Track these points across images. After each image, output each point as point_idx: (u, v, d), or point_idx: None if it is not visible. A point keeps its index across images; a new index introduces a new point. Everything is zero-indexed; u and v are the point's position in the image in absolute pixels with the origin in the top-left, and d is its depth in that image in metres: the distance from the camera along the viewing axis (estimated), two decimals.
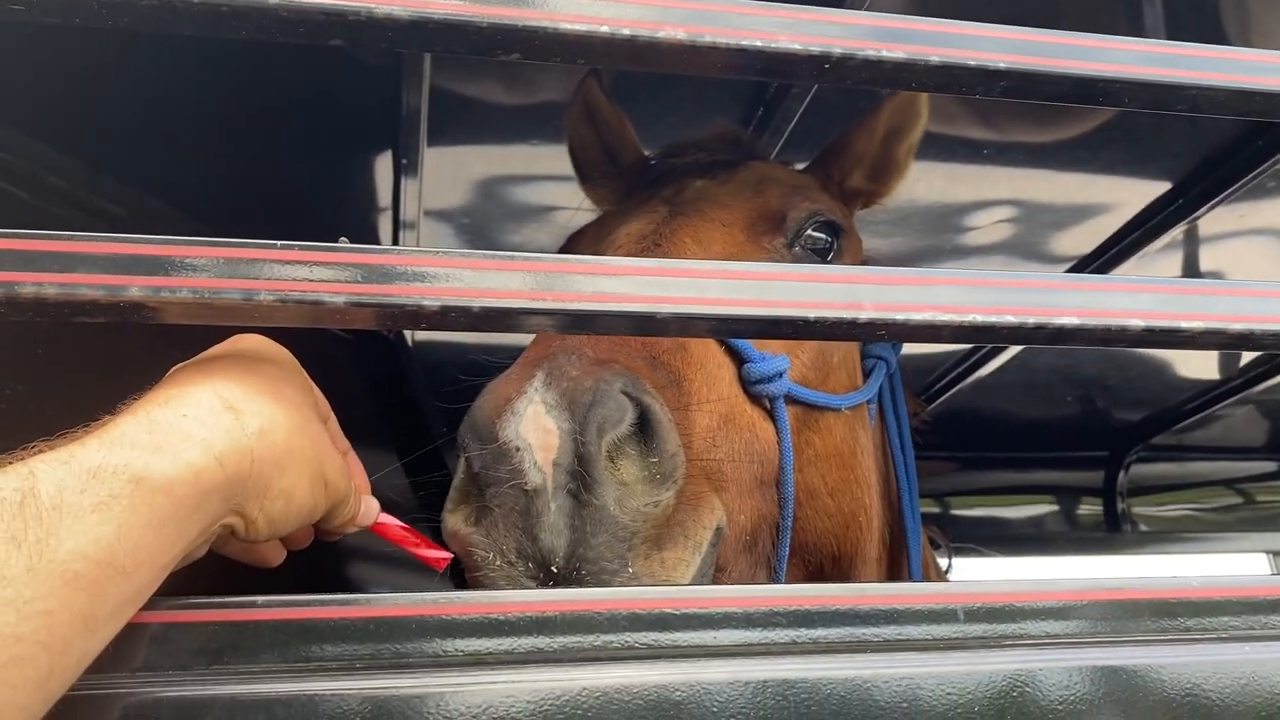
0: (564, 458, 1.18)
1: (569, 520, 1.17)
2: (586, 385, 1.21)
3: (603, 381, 1.22)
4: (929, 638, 0.94)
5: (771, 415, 1.55)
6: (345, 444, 1.22)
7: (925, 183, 2.77)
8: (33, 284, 0.84)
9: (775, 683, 0.88)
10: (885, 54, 1.04)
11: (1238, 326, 1.03)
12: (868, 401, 1.87)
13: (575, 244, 1.98)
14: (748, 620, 0.92)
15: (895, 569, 1.94)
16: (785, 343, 1.65)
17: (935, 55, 1.04)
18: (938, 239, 3.04)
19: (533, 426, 1.19)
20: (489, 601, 0.90)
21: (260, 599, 0.87)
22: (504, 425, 1.20)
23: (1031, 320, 1.00)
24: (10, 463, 0.80)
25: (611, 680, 0.87)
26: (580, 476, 1.17)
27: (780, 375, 1.55)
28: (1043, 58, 1.07)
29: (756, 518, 1.49)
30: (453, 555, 1.23)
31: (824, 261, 1.79)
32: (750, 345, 1.56)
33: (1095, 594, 1.00)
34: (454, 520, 1.26)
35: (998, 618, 0.96)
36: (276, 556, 1.18)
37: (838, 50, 1.03)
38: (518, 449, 1.18)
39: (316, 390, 1.16)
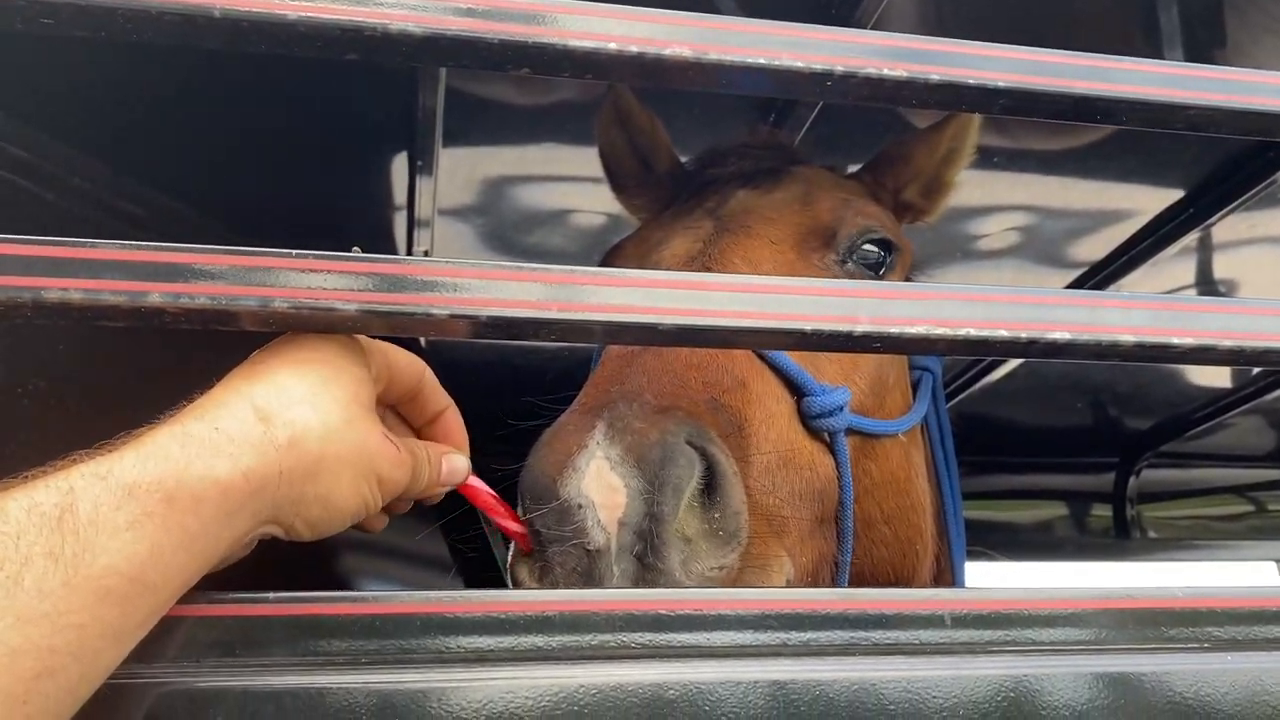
0: (631, 517, 1.12)
1: (633, 586, 1.12)
2: (653, 439, 1.16)
3: (669, 434, 1.16)
4: (917, 642, 0.96)
5: (831, 448, 1.48)
6: (445, 400, 1.19)
7: None
8: (59, 289, 0.87)
9: (766, 683, 0.91)
10: (886, 72, 1.06)
11: (1228, 343, 1.05)
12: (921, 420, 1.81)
13: (616, 258, 1.88)
14: (740, 622, 0.94)
15: (942, 584, 1.89)
16: (843, 369, 1.58)
17: (936, 74, 1.06)
18: (951, 243, 3.06)
19: (596, 484, 1.14)
20: (491, 600, 0.93)
21: (271, 595, 0.90)
22: (565, 482, 1.15)
23: (1025, 335, 1.02)
24: (50, 474, 0.83)
25: (608, 678, 0.90)
26: (647, 537, 1.12)
27: (842, 409, 1.47)
28: (1043, 77, 1.09)
29: (817, 558, 1.43)
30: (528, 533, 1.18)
31: (876, 275, 1.75)
32: (810, 376, 1.47)
33: (1083, 602, 1.02)
34: (520, 573, 1.20)
35: (984, 624, 0.98)
36: (378, 524, 1.14)
37: (839, 68, 1.05)
38: (580, 506, 1.13)
39: (400, 364, 1.12)
